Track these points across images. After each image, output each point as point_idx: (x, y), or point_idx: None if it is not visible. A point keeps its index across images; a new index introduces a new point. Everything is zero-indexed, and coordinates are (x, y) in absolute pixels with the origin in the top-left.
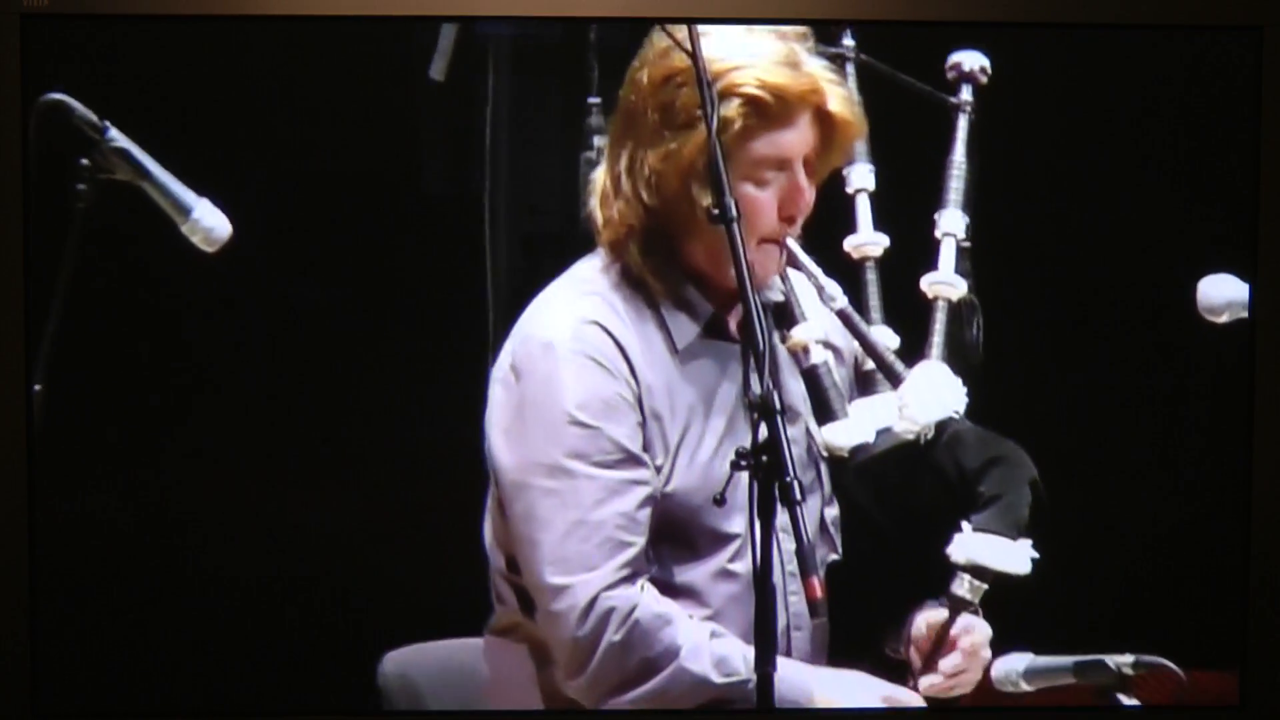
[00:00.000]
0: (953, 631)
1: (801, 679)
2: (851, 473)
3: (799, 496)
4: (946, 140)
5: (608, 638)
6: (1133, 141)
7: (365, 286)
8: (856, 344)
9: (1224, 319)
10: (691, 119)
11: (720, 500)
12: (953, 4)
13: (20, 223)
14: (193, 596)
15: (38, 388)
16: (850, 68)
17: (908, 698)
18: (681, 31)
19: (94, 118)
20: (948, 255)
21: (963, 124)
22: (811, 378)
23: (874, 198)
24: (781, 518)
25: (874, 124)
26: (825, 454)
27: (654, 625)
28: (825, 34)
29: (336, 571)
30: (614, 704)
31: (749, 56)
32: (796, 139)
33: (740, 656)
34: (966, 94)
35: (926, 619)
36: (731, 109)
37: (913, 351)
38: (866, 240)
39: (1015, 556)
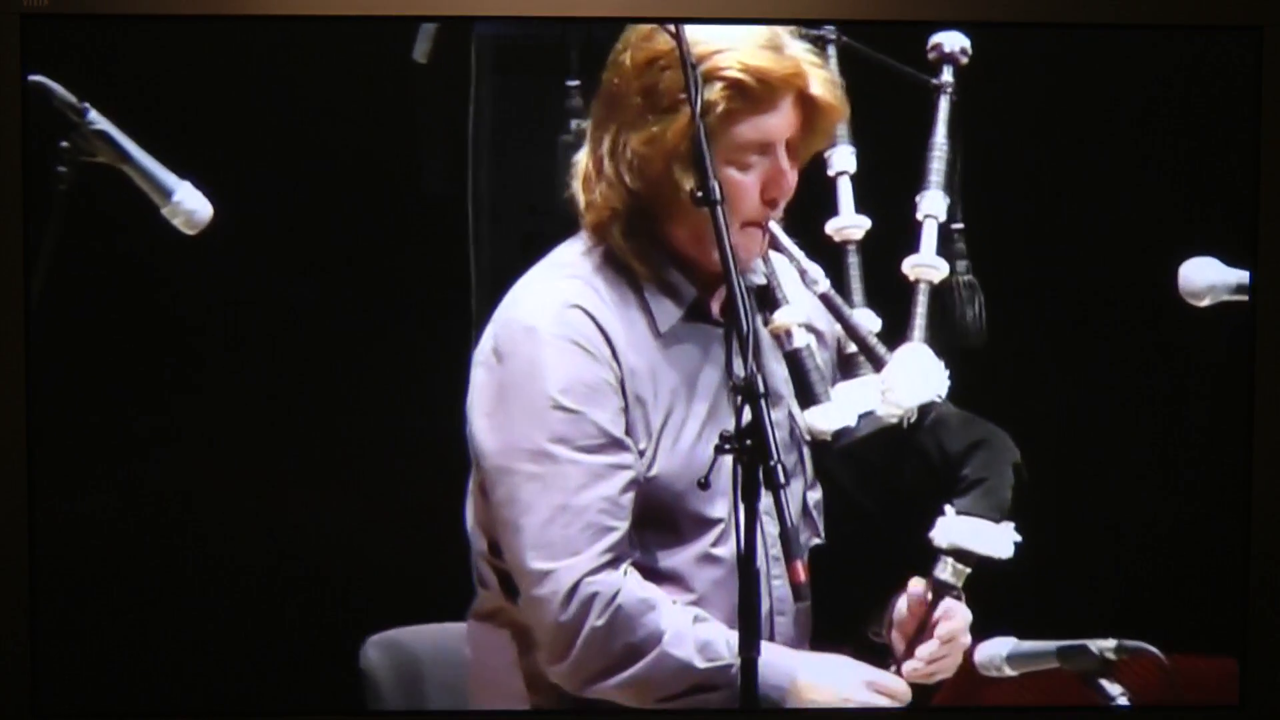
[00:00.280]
0: (933, 617)
1: (784, 663)
2: (834, 456)
3: (783, 480)
4: (928, 122)
5: (591, 623)
6: (1132, 141)
7: (347, 270)
8: (839, 327)
9: (1205, 302)
10: (675, 102)
11: (705, 484)
12: (952, 3)
13: (20, 221)
14: (188, 592)
15: None
16: (832, 50)
17: (890, 682)
18: None
19: (74, 100)
20: (929, 237)
21: (944, 105)
22: (794, 361)
23: (855, 180)
24: (765, 502)
25: (856, 106)
26: (808, 437)
27: (637, 610)
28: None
29: (318, 557)
30: (597, 689)
31: (731, 40)
32: (779, 122)
33: (723, 641)
34: (948, 75)
35: (909, 602)
36: (714, 92)
37: (895, 334)
38: (848, 223)
39: (998, 540)
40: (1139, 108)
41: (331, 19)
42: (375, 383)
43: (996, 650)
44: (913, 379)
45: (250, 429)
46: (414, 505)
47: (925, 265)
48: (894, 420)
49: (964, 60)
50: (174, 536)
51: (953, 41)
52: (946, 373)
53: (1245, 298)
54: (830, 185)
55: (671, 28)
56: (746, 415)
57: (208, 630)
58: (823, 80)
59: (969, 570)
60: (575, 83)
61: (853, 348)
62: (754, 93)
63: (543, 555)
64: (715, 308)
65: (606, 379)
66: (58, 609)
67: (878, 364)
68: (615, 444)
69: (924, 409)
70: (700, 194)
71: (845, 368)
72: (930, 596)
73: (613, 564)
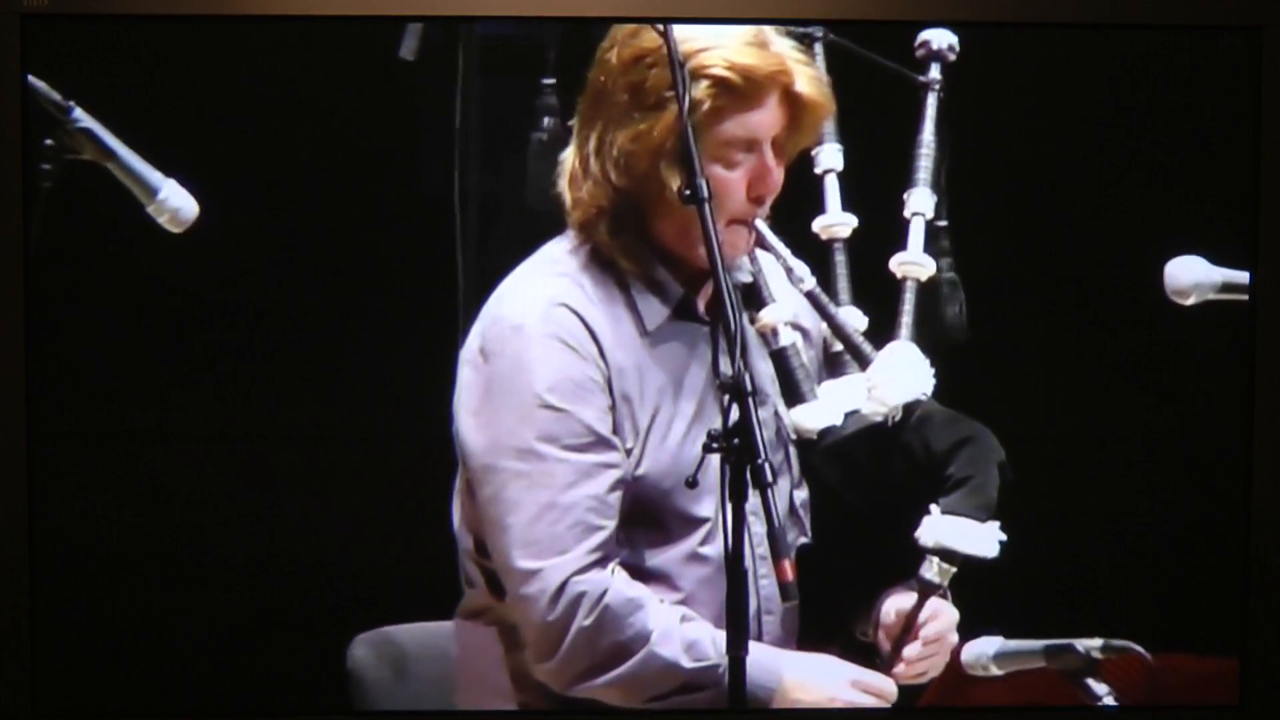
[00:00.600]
0: (919, 617)
1: (771, 662)
2: (820, 455)
3: (770, 479)
4: (915, 120)
5: (578, 622)
6: (1132, 140)
7: (333, 268)
8: (825, 325)
9: (1191, 301)
10: (661, 100)
11: (693, 482)
12: (952, 3)
13: (20, 222)
14: (180, 592)
15: None
16: (818, 47)
17: (877, 681)
18: None
19: (58, 98)
20: (917, 235)
21: (931, 102)
22: (780, 359)
23: (842, 178)
24: (752, 501)
25: (843, 104)
26: (794, 436)
27: (625, 609)
28: None
29: (304, 556)
30: (584, 688)
31: (717, 37)
32: (765, 119)
33: (710, 641)
34: (935, 72)
35: (895, 604)
36: (700, 90)
37: (882, 332)
38: (835, 221)
39: (983, 539)
40: (1138, 107)
41: (319, 19)
42: (362, 381)
43: (983, 649)
44: (898, 377)
45: (236, 428)
46: (401, 504)
47: (912, 263)
48: (880, 419)
49: (951, 57)
50: (165, 537)
51: (940, 39)
52: (932, 371)
53: (1231, 296)
54: (817, 183)
55: (659, 25)
56: (734, 414)
57: (204, 630)
58: (809, 77)
59: (954, 569)
60: (551, 81)
61: (839, 346)
62: (740, 90)
63: (530, 554)
64: (702, 306)
65: (593, 377)
66: (58, 609)
67: (863, 362)
68: (602, 442)
69: (909, 407)
70: (688, 192)
71: (831, 366)
72: (917, 596)
73: (600, 563)
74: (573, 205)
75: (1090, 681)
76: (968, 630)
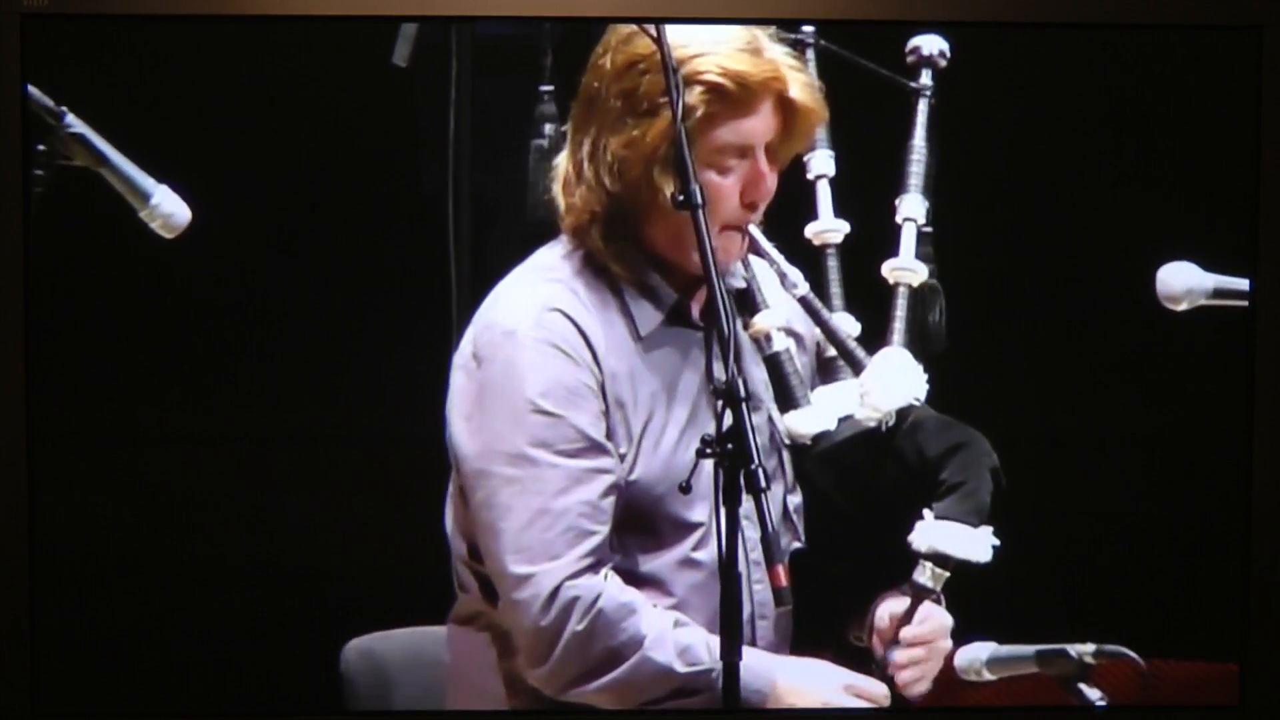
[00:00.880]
0: (912, 622)
1: (765, 667)
2: (814, 460)
3: (764, 484)
4: (907, 125)
5: (571, 627)
6: (1131, 141)
7: (327, 273)
8: (818, 331)
9: (1183, 306)
10: (654, 105)
11: (686, 487)
12: (949, 2)
13: (20, 223)
14: (175, 594)
15: None
16: (811, 53)
17: (871, 686)
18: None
19: (50, 103)
20: (908, 241)
21: (923, 109)
22: (774, 364)
23: (834, 184)
24: (745, 506)
25: (835, 110)
26: (787, 441)
27: (618, 615)
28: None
29: (298, 560)
30: (577, 693)
31: (710, 43)
32: (758, 126)
33: (704, 646)
34: (926, 79)
35: (889, 608)
36: (693, 96)
37: (874, 338)
38: (827, 227)
39: (976, 544)
40: (1137, 108)
41: (319, 19)
42: (355, 386)
43: (976, 654)
44: (891, 383)
45: (230, 432)
46: (394, 509)
47: (904, 269)
48: (873, 424)
49: (943, 64)
50: (163, 537)
51: (931, 45)
52: (925, 376)
53: (1224, 302)
54: (810, 189)
55: (653, 30)
56: (727, 419)
57: (202, 631)
58: (802, 84)
59: (948, 574)
60: (549, 88)
61: (832, 351)
62: (733, 96)
63: (522, 559)
64: (695, 311)
65: (587, 382)
66: (58, 609)
67: (856, 367)
68: (596, 448)
69: (902, 413)
70: (682, 197)
71: (824, 371)
72: (910, 602)
73: (593, 568)
74: (566, 210)
75: (1083, 687)
76: (961, 635)
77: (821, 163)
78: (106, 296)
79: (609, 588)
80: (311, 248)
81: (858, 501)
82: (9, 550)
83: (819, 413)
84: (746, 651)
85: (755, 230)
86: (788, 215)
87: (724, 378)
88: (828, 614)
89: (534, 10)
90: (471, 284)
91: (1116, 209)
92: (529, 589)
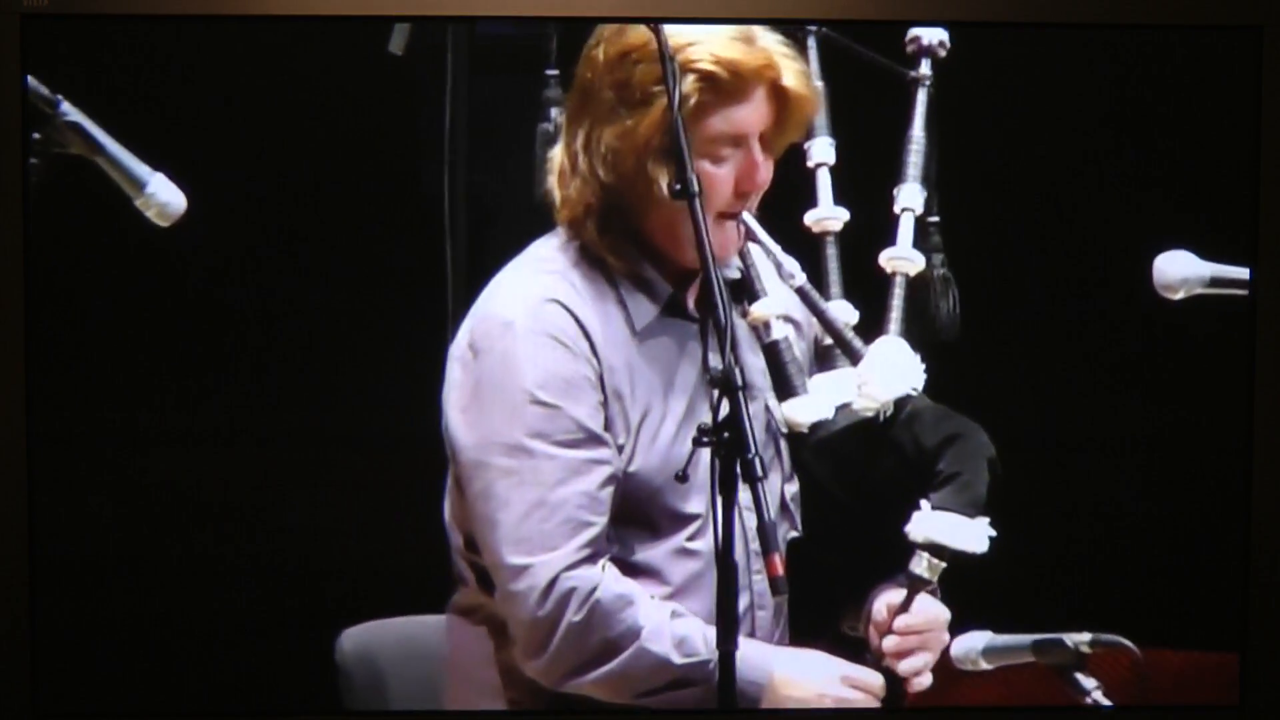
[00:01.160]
0: (909, 611)
1: (761, 657)
2: (810, 449)
3: (761, 473)
4: (906, 115)
5: (568, 618)
6: (1131, 140)
7: (322, 265)
8: (815, 320)
9: (1179, 296)
10: (648, 96)
11: (683, 477)
12: (948, 2)
13: (21, 220)
14: (173, 591)
15: None
16: (812, 41)
17: (867, 677)
18: None
19: (46, 92)
20: (906, 230)
21: (922, 98)
22: (771, 353)
23: (834, 172)
24: (743, 495)
25: (834, 98)
26: (784, 430)
27: (615, 606)
28: None
29: (295, 552)
30: (574, 684)
31: (703, 32)
32: (752, 115)
33: (701, 636)
34: (925, 68)
35: (886, 599)
36: (687, 85)
37: (873, 327)
38: (827, 215)
39: (973, 535)
40: (1137, 107)
41: (319, 19)
42: (351, 378)
43: (972, 644)
44: (888, 372)
45: (226, 425)
46: (392, 501)
47: (901, 258)
48: (870, 413)
49: (942, 53)
50: (162, 536)
51: (930, 34)
52: (923, 366)
53: (1221, 291)
54: (809, 177)
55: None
56: (724, 408)
57: (202, 629)
58: (795, 72)
59: (944, 565)
60: (554, 72)
61: (829, 340)
62: (726, 85)
63: (520, 550)
64: (691, 302)
65: (585, 374)
66: (58, 609)
67: (854, 357)
68: (593, 439)
69: (899, 402)
70: (678, 186)
71: (821, 359)
72: (906, 592)
73: (590, 559)
74: (561, 203)
75: (1079, 676)
76: (957, 625)
77: (821, 150)
78: (100, 286)
79: (606, 579)
80: (306, 240)
81: (854, 491)
82: (9, 550)
83: (816, 401)
84: (744, 642)
85: (751, 219)
86: (787, 204)
87: (720, 366)
88: (823, 603)
89: (534, 10)
90: (467, 278)
91: (1116, 208)
92: (526, 580)
